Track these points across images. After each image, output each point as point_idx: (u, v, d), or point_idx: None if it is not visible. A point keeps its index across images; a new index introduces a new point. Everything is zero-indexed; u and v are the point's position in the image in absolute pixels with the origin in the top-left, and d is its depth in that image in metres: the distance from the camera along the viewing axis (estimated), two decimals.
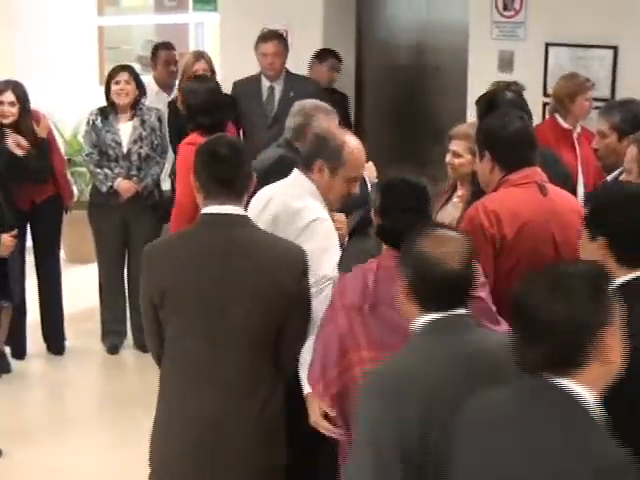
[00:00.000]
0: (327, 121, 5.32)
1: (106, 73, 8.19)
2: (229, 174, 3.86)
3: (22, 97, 7.23)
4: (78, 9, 10.58)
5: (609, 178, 5.29)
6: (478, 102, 5.79)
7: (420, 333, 3.07)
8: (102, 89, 7.67)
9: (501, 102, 5.56)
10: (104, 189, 7.27)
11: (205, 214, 3.89)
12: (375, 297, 3.81)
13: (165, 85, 8.38)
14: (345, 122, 7.53)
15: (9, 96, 7.13)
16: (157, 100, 7.90)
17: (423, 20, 9.05)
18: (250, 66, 8.11)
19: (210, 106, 6.52)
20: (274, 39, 7.93)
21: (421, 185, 3.99)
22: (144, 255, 3.97)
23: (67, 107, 8.88)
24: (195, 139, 6.17)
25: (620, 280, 3.18)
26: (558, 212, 4.37)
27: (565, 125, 6.78)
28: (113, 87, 7.35)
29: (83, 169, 9.13)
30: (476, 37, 8.17)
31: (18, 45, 8.65)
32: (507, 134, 4.46)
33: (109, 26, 12.33)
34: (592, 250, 3.38)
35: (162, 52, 8.47)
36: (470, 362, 2.99)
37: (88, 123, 7.48)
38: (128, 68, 7.60)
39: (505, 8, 8.01)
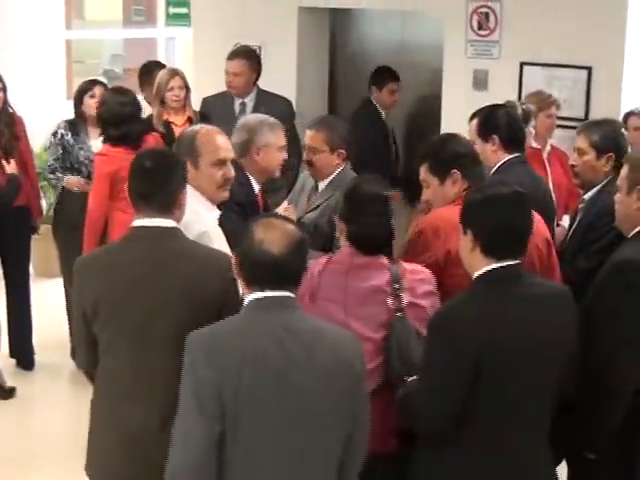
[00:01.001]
0: (272, 135, 5.40)
1: (74, 87, 8.15)
2: (149, 189, 3.88)
3: (4, 83, 7.26)
4: (45, 22, 10.60)
5: (586, 197, 5.36)
6: (475, 116, 5.72)
7: (245, 308, 3.33)
8: (70, 103, 7.66)
9: (500, 118, 5.53)
10: (59, 188, 7.27)
11: (132, 227, 3.89)
12: (317, 288, 4.02)
13: None
14: None
15: None
16: None
17: (398, 38, 9.19)
18: (224, 82, 8.10)
19: (119, 118, 6.59)
20: (239, 57, 7.86)
21: (381, 193, 4.16)
22: (74, 269, 3.94)
23: (35, 121, 8.76)
24: (106, 150, 6.63)
25: (483, 269, 3.69)
26: None
27: (534, 144, 6.75)
28: (88, 100, 7.28)
29: None
30: (450, 55, 8.22)
31: None
32: (471, 151, 4.60)
33: (75, 39, 12.43)
34: (465, 242, 3.79)
35: (157, 73, 8.12)
36: (282, 340, 3.23)
37: (55, 135, 7.39)
38: (102, 83, 7.60)
39: (480, 27, 8.05)
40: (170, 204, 3.88)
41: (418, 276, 4.08)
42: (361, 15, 9.38)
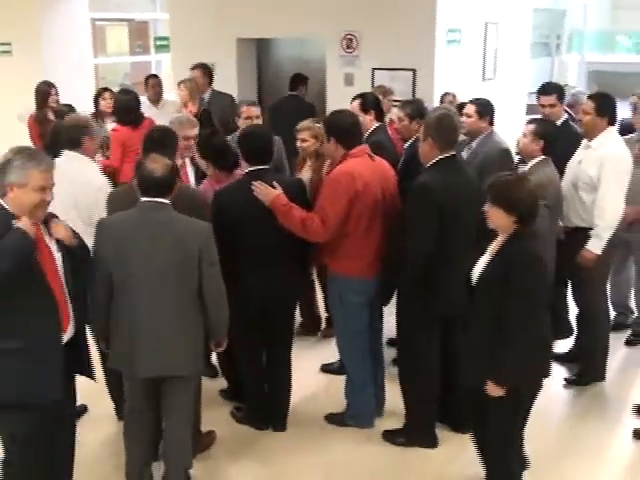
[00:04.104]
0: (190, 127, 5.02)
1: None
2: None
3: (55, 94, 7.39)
4: (81, 54, 10.63)
5: (405, 146, 5.44)
6: (356, 99, 5.65)
7: (137, 207, 3.49)
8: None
9: (370, 99, 5.62)
10: None
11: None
12: None
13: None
14: None
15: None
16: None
17: (298, 55, 9.34)
18: None
19: (128, 109, 6.54)
20: (197, 67, 7.60)
21: (226, 142, 4.63)
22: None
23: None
24: (118, 127, 6.53)
25: (245, 170, 4.17)
26: (381, 170, 4.34)
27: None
28: (102, 101, 7.36)
29: None
30: (330, 65, 8.53)
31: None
32: (346, 124, 4.30)
33: (100, 64, 12.32)
34: (241, 158, 4.23)
35: (151, 80, 8.03)
36: (155, 229, 3.41)
37: None
38: (108, 90, 7.58)
39: (348, 47, 8.38)
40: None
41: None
42: (275, 42, 9.45)
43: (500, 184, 3.42)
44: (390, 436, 4.51)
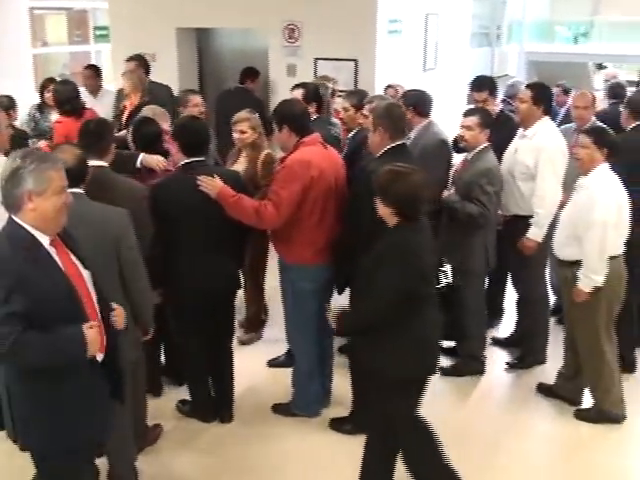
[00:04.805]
0: (163, 120, 5.10)
1: (39, 85, 7.79)
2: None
3: None
4: (19, 43, 10.57)
5: (349, 136, 5.50)
6: (297, 87, 5.65)
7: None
8: (37, 94, 7.46)
9: (312, 90, 5.64)
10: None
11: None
12: None
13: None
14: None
15: None
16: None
17: (240, 46, 9.19)
18: None
19: (69, 99, 6.45)
20: (132, 60, 7.38)
21: (160, 128, 4.63)
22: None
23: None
24: (61, 119, 6.41)
25: (182, 162, 4.13)
26: (333, 159, 4.39)
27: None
28: (46, 94, 7.14)
29: None
30: (273, 55, 8.47)
31: None
32: (298, 111, 4.31)
33: (39, 54, 12.18)
34: (177, 149, 4.18)
35: (85, 71, 7.82)
36: (73, 219, 2.99)
37: (29, 114, 7.16)
38: (53, 80, 7.38)
39: (290, 37, 8.31)
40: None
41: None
42: (216, 32, 9.30)
43: (382, 175, 3.42)
44: (337, 424, 4.55)
